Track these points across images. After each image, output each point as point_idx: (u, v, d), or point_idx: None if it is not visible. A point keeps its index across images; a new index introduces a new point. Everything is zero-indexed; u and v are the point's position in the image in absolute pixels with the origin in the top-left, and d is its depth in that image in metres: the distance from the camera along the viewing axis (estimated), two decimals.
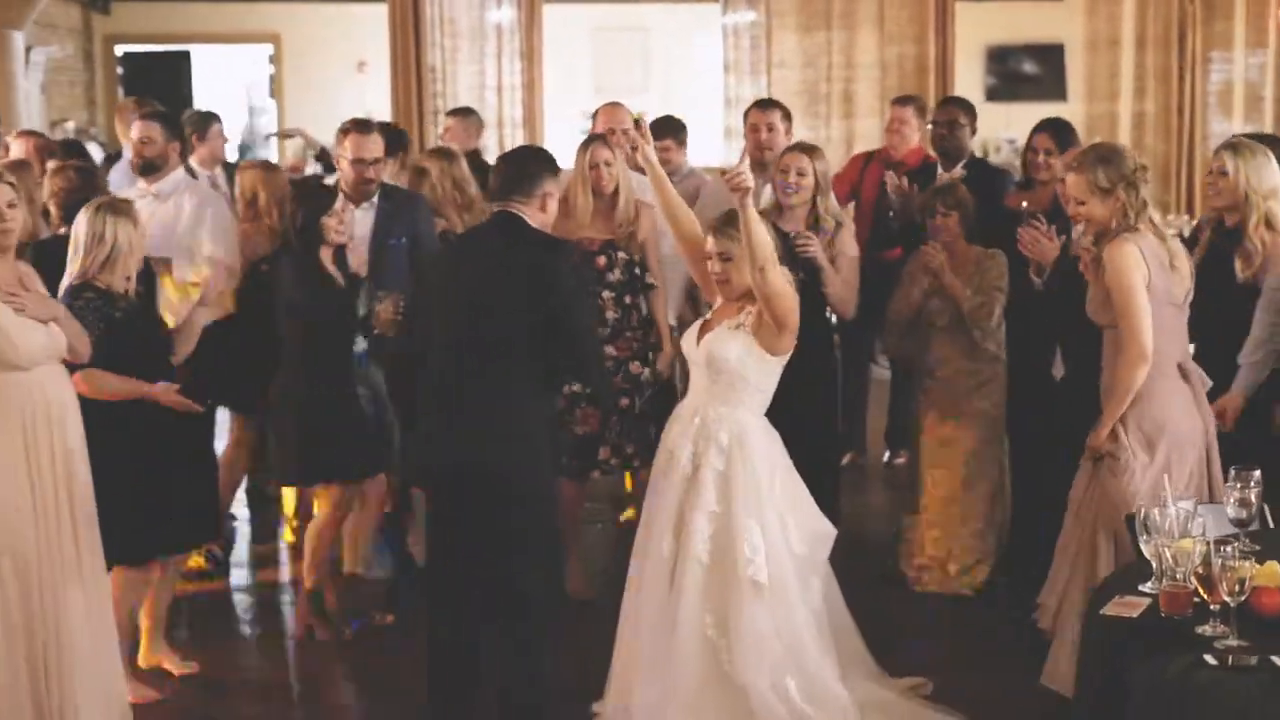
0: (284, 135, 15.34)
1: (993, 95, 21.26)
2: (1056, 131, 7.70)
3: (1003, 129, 19.38)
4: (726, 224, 5.63)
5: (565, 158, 9.09)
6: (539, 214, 5.54)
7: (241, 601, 7.52)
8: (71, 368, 5.65)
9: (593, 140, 7.27)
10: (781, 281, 5.50)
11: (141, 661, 6.37)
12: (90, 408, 5.69)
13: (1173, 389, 5.47)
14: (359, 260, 7.14)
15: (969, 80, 20.62)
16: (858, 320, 8.15)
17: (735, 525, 5.49)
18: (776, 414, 5.81)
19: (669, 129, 9.00)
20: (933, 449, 7.39)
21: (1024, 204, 7.37)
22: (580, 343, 5.55)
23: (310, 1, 19.71)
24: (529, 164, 5.63)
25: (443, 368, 5.48)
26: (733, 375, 5.60)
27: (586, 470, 7.16)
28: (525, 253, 5.46)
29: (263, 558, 8.17)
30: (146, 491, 5.97)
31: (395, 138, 8.93)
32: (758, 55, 14.97)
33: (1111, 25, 15.05)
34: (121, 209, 6.06)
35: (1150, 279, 5.37)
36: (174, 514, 6.11)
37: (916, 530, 7.43)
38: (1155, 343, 5.33)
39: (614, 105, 7.94)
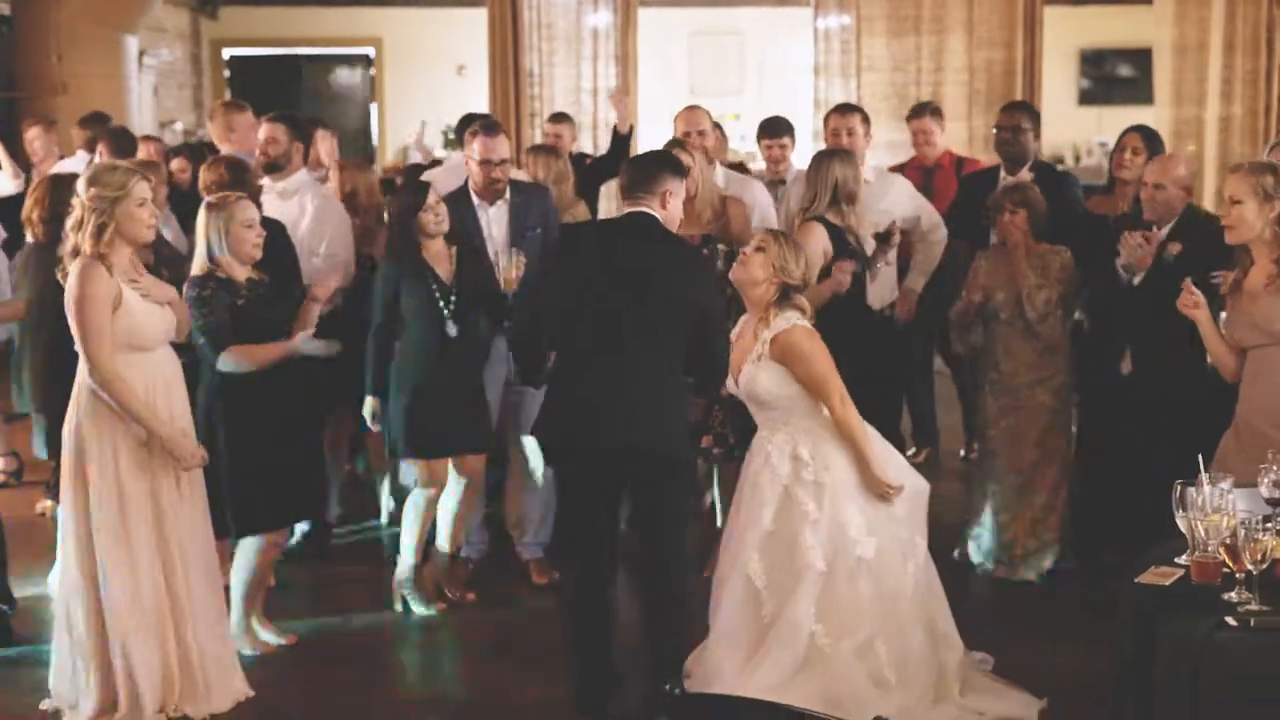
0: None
1: (1086, 99, 21.45)
2: (1147, 135, 7.96)
3: (1095, 132, 19.57)
4: (781, 234, 6.18)
5: None
6: (661, 211, 5.88)
7: (341, 578, 7.89)
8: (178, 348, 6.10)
9: (670, 145, 7.54)
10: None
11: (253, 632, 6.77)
12: (226, 389, 6.28)
13: None
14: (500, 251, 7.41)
15: (1062, 84, 20.79)
16: (919, 319, 8.51)
17: (839, 519, 5.84)
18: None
19: (784, 129, 9.26)
20: (997, 440, 7.65)
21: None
22: (716, 335, 5.86)
23: (411, 6, 20.14)
24: (651, 164, 5.99)
25: (587, 352, 5.77)
26: (776, 403, 5.98)
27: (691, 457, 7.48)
28: (670, 248, 5.87)
29: (361, 537, 8.56)
30: (263, 468, 6.42)
31: None
32: (848, 59, 15.26)
33: (1200, 30, 15.13)
34: (226, 206, 6.48)
35: None
36: (285, 491, 6.56)
37: (985, 519, 7.70)
38: None
39: (692, 109, 8.24)
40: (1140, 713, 4.18)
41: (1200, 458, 4.58)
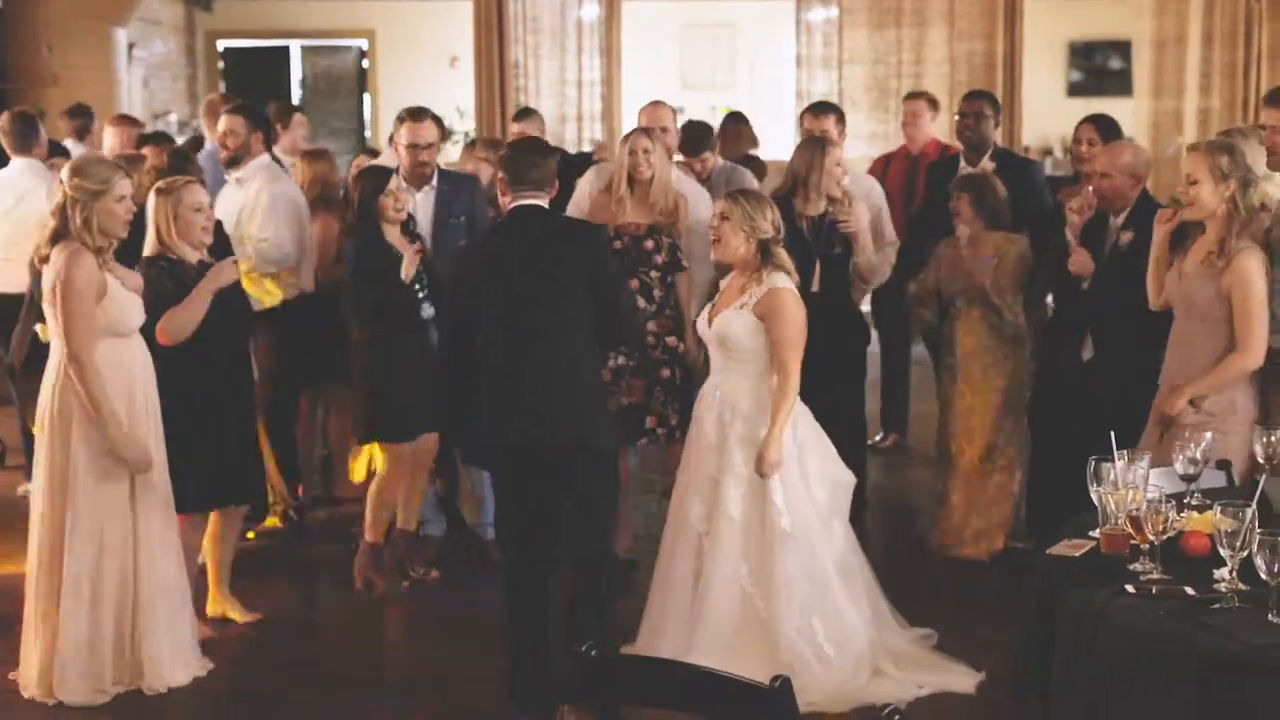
0: None
1: (1075, 91, 21.55)
2: (1101, 124, 8.09)
3: None
4: (739, 194, 6.30)
5: None
6: (548, 198, 6.04)
7: (309, 556, 8.08)
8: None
9: (633, 131, 7.75)
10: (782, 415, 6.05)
11: (209, 610, 6.92)
12: (162, 370, 6.33)
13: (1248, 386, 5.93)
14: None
15: (1050, 76, 20.89)
16: (894, 306, 8.64)
17: (762, 483, 6.03)
18: (804, 394, 6.34)
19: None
20: (955, 422, 7.83)
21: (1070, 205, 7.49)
22: (618, 293, 6.07)
23: None
24: (535, 155, 6.06)
25: (505, 349, 5.84)
26: (744, 350, 6.13)
27: (633, 438, 7.59)
28: (560, 232, 6.03)
29: (328, 517, 8.74)
30: (207, 447, 6.56)
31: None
32: (830, 51, 15.40)
33: (1179, 22, 15.27)
34: (175, 190, 6.61)
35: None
36: (226, 469, 6.70)
37: (941, 500, 7.88)
38: None
39: (656, 104, 8.39)
40: (1040, 678, 4.35)
41: (1113, 434, 4.73)
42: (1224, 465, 5.31)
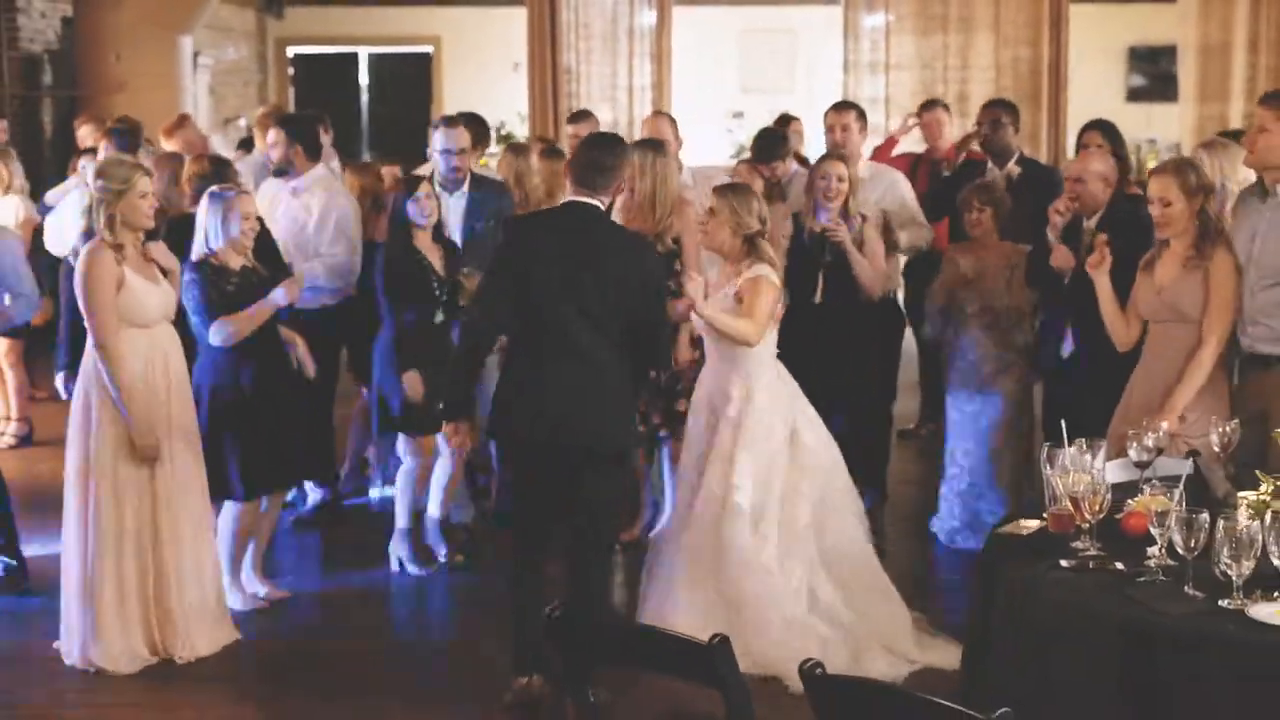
0: None
1: (1137, 96, 21.63)
2: (1106, 130, 8.37)
3: (1144, 130, 19.76)
4: (726, 189, 6.68)
5: (712, 155, 9.99)
6: (606, 200, 6.16)
7: (346, 539, 8.48)
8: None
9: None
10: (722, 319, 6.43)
11: (244, 586, 7.33)
12: (207, 361, 6.90)
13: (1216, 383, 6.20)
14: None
15: (1109, 81, 21.03)
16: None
17: (733, 459, 6.46)
18: (828, 380, 6.73)
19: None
20: (960, 423, 8.08)
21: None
22: (659, 316, 6.15)
23: (469, 5, 20.70)
24: (604, 159, 6.07)
25: (533, 341, 5.97)
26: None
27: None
28: (613, 235, 6.20)
29: (367, 503, 9.15)
30: (259, 434, 6.99)
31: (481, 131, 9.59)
32: (877, 56, 15.63)
33: (1224, 29, 15.34)
34: (225, 198, 7.01)
35: None
36: (283, 456, 7.14)
37: (949, 495, 8.16)
38: None
39: (656, 115, 8.68)
40: (983, 646, 4.66)
41: (1063, 421, 5.03)
42: (1193, 454, 5.56)
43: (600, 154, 6.10)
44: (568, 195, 6.19)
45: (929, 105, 10.97)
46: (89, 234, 6.47)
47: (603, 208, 6.11)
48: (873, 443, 8.20)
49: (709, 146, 17.88)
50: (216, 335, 6.89)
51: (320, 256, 8.35)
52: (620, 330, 5.94)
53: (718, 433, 6.52)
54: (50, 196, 10.95)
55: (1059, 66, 15.32)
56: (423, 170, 8.55)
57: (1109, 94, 21.07)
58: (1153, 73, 21.08)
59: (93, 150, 10.78)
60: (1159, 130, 19.26)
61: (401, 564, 7.81)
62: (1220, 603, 4.14)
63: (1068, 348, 7.52)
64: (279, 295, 6.99)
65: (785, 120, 11.35)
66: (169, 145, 10.47)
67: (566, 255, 5.88)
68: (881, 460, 8.39)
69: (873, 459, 8.17)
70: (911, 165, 10.30)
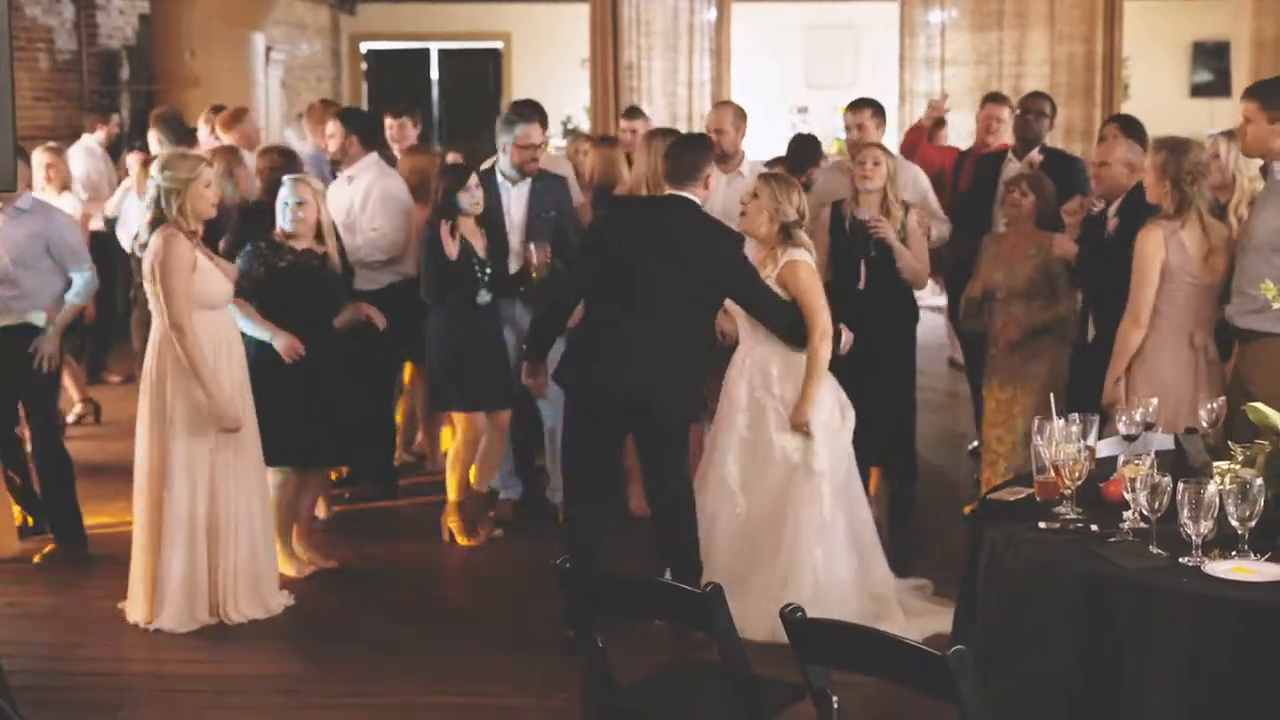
0: None
1: (1200, 91, 21.73)
2: (1125, 122, 8.60)
3: (1206, 125, 19.86)
4: (770, 177, 7.08)
5: (775, 149, 10.30)
6: (702, 193, 6.71)
7: (401, 513, 8.96)
8: None
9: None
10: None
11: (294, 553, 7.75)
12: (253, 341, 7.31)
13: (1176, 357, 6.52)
14: (515, 229, 8.42)
15: (1172, 76, 21.16)
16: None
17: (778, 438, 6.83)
18: (858, 369, 7.11)
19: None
20: (994, 410, 8.30)
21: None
22: (757, 296, 6.71)
23: (538, 2, 21.10)
24: (690, 157, 6.73)
25: (616, 312, 6.52)
26: None
27: None
28: (703, 228, 6.64)
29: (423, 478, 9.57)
30: (280, 412, 7.34)
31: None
32: (933, 52, 15.88)
33: (1278, 24, 15.52)
34: (299, 184, 7.55)
35: (1167, 260, 6.50)
36: (304, 433, 7.49)
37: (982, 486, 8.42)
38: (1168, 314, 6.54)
39: (721, 105, 8.99)
40: (969, 603, 4.98)
41: (1052, 396, 5.35)
42: (1190, 431, 5.82)
43: (691, 153, 6.75)
44: (665, 190, 6.79)
45: (992, 99, 10.92)
46: (155, 224, 6.84)
47: (698, 201, 6.66)
48: (907, 427, 8.47)
49: (774, 141, 18.14)
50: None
51: (365, 233, 8.79)
52: (699, 311, 6.59)
53: (764, 412, 6.81)
54: (110, 206, 11.53)
55: (1112, 62, 15.47)
56: (487, 165, 8.88)
57: (1172, 89, 21.22)
58: (1216, 68, 21.16)
59: (143, 148, 11.33)
60: (1221, 125, 19.29)
61: (452, 536, 8.21)
62: (1180, 560, 4.43)
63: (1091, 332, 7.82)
64: (278, 339, 7.36)
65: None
66: (227, 138, 10.86)
67: (660, 236, 6.51)
68: (910, 451, 8.60)
69: (904, 441, 8.44)
70: (957, 160, 10.51)
